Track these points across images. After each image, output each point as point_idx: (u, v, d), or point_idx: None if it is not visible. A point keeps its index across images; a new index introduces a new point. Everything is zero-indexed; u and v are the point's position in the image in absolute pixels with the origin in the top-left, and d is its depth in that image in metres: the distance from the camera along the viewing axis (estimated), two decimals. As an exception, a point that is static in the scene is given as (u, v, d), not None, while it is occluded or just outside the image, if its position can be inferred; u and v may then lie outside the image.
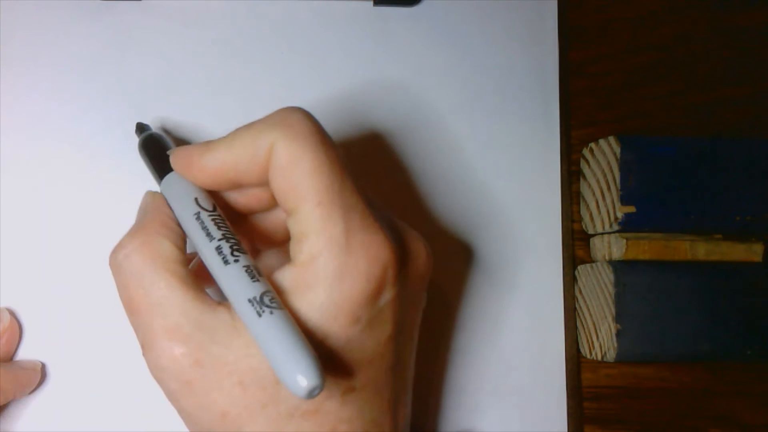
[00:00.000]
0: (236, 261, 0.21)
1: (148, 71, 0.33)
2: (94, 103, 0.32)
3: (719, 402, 0.33)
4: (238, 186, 0.24)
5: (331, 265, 0.21)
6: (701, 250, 0.32)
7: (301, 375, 0.19)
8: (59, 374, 0.30)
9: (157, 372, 0.22)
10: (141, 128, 0.29)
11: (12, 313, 0.30)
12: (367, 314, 0.21)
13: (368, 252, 0.21)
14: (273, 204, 0.25)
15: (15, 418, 0.29)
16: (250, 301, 0.20)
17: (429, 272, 0.25)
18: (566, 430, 0.32)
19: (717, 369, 0.33)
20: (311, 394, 0.19)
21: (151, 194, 0.25)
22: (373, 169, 0.33)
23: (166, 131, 0.32)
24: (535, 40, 0.35)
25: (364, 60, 0.34)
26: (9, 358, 0.29)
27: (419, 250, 0.24)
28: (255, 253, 0.28)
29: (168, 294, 0.21)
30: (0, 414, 0.29)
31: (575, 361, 0.33)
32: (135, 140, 0.32)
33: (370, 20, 0.34)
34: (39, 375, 0.29)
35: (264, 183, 0.23)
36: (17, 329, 0.30)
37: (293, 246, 0.22)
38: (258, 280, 0.21)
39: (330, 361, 0.21)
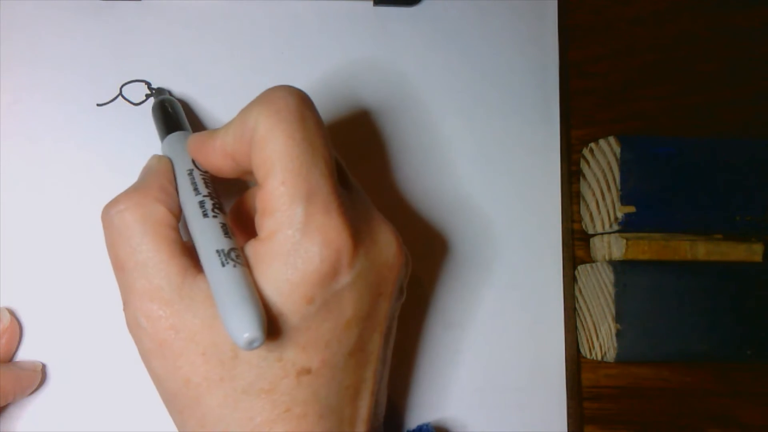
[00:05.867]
0: (215, 217, 0.23)
1: (148, 71, 0.33)
2: (94, 102, 0.32)
3: (719, 402, 0.33)
4: (243, 170, 0.24)
5: (287, 243, 0.21)
6: (701, 250, 0.32)
7: (244, 325, 0.19)
8: (59, 375, 0.30)
9: (134, 329, 0.22)
10: (159, 92, 0.31)
11: (12, 313, 0.30)
12: (322, 295, 0.22)
13: (324, 235, 0.21)
14: None
15: (15, 419, 0.29)
16: (217, 251, 0.21)
17: (400, 264, 0.25)
18: (566, 430, 0.32)
19: (717, 369, 0.33)
20: (251, 345, 0.19)
21: (156, 158, 0.26)
22: (372, 168, 0.33)
23: (185, 108, 0.32)
24: (535, 40, 0.35)
25: (364, 60, 0.34)
26: (9, 359, 0.29)
27: (388, 241, 0.24)
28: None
29: (153, 256, 0.22)
30: (0, 414, 0.29)
31: (575, 361, 0.33)
32: (136, 140, 0.32)
33: (370, 20, 0.34)
34: (39, 376, 0.29)
35: None
36: (17, 329, 0.30)
37: (257, 220, 0.23)
38: (229, 237, 0.22)
39: (285, 339, 0.21)
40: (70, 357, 0.30)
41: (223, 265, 0.21)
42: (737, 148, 0.32)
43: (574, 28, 0.36)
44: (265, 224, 0.22)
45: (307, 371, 0.22)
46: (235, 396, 0.22)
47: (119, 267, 0.23)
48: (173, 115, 0.29)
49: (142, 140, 0.32)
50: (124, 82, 0.32)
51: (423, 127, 0.34)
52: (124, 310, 0.23)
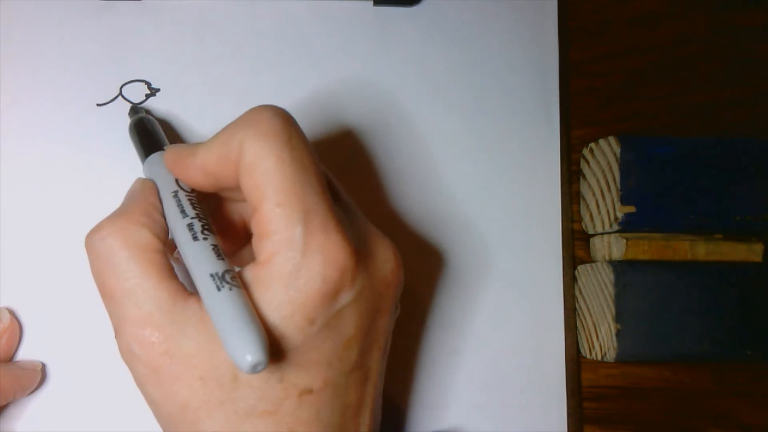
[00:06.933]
0: (205, 239, 0.22)
1: (148, 71, 0.33)
2: (94, 102, 0.32)
3: (719, 402, 0.33)
4: (222, 187, 0.24)
5: (288, 265, 0.21)
6: (701, 250, 0.32)
7: (246, 349, 0.19)
8: (59, 374, 0.30)
9: (128, 356, 0.22)
10: (135, 111, 0.31)
11: (12, 313, 0.30)
12: (324, 315, 0.21)
13: (325, 254, 0.21)
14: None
15: (15, 418, 0.29)
16: (212, 275, 0.21)
17: (398, 280, 0.25)
18: (566, 430, 0.32)
19: (717, 369, 0.33)
20: (254, 369, 0.19)
21: (140, 181, 0.26)
22: (371, 169, 0.33)
23: (163, 125, 0.32)
24: (535, 40, 0.35)
25: (364, 60, 0.34)
26: (9, 358, 0.29)
27: (387, 257, 0.24)
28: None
29: (141, 282, 0.22)
30: (0, 414, 0.29)
31: (575, 361, 0.33)
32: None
33: (370, 20, 0.34)
34: (39, 375, 0.29)
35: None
36: (17, 329, 0.30)
37: (255, 244, 0.22)
38: (222, 259, 0.22)
39: (286, 360, 0.21)
40: (70, 357, 0.30)
41: (219, 289, 0.21)
42: (737, 148, 0.32)
43: (574, 28, 0.36)
44: (263, 247, 0.22)
45: (309, 391, 0.22)
46: (236, 419, 0.21)
47: (107, 295, 0.22)
48: (152, 134, 0.28)
49: (142, 140, 0.32)
50: (124, 82, 0.32)
51: (423, 126, 0.34)
52: (116, 338, 0.22)
